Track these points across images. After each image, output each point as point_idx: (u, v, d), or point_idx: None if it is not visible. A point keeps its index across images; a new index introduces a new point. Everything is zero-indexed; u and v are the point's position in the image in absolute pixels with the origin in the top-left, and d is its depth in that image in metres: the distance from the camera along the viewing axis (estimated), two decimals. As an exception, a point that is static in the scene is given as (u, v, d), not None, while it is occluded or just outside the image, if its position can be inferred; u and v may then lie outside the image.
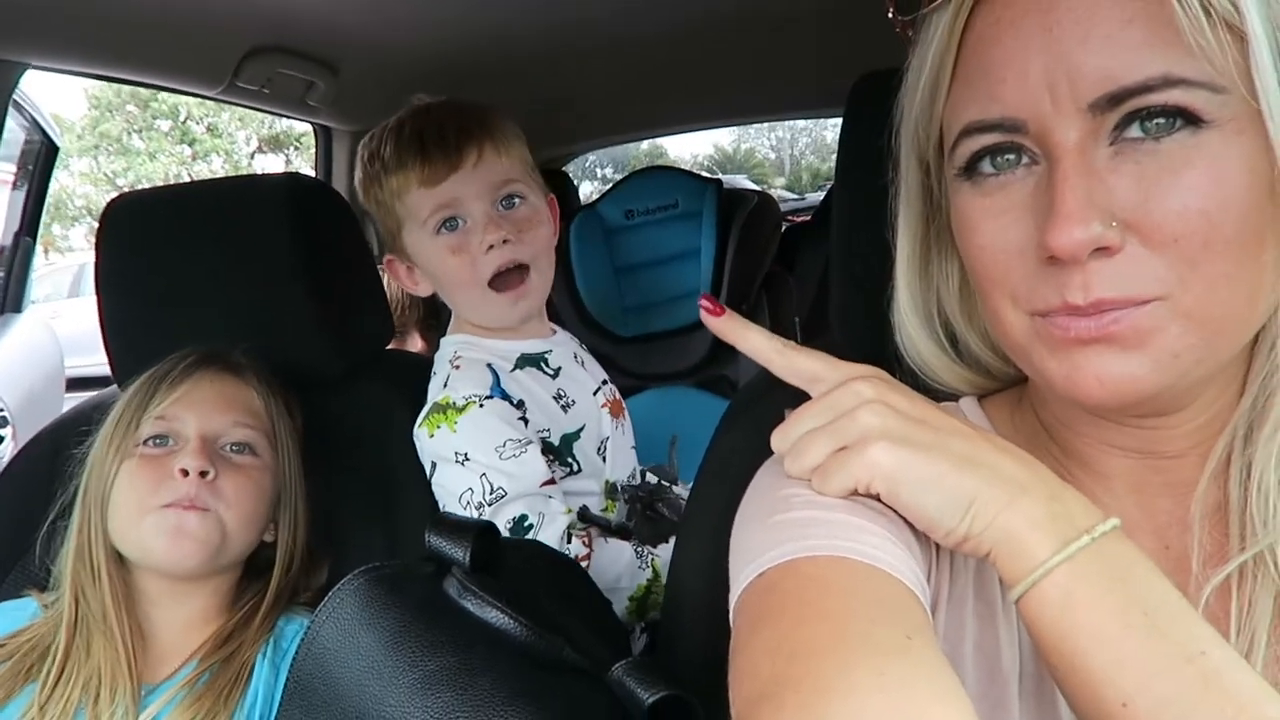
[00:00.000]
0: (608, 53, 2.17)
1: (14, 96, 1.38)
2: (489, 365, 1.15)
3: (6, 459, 1.43)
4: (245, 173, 17.78)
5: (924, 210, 0.64)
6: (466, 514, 1.05)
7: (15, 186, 2.56)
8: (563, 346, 1.26)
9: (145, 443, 0.95)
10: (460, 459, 1.07)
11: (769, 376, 0.98)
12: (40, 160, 2.57)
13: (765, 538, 0.54)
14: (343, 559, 1.05)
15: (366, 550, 1.06)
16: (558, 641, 0.61)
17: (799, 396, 0.91)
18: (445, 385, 1.13)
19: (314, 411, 1.11)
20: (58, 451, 1.05)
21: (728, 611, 0.54)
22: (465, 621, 0.60)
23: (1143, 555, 0.48)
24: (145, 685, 0.91)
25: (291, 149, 18.69)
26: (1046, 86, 0.48)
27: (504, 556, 0.67)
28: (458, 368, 1.14)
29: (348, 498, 1.10)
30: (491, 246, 1.12)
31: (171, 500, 0.92)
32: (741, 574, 0.53)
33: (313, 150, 2.35)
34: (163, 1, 1.36)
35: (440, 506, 1.10)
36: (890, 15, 0.58)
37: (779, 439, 0.58)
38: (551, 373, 1.21)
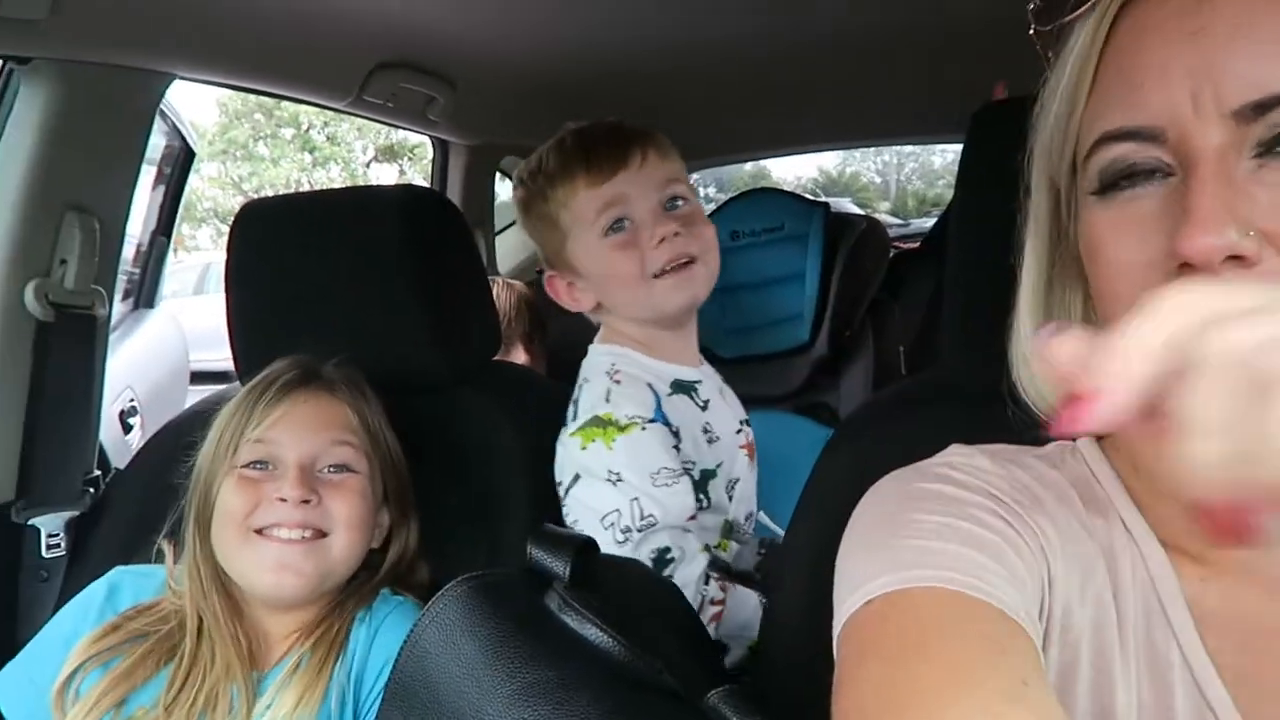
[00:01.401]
0: (718, 73, 2.18)
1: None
2: (649, 385, 1.13)
3: (136, 448, 1.51)
4: (361, 180, 18.45)
5: (1051, 237, 0.61)
6: (606, 534, 1.04)
7: (153, 188, 2.71)
8: (710, 379, 1.24)
9: (244, 466, 0.96)
10: (613, 478, 1.05)
11: (872, 408, 0.97)
12: (178, 164, 2.71)
13: (875, 563, 0.52)
14: (443, 565, 1.07)
15: (467, 558, 1.08)
16: (655, 663, 0.60)
17: (904, 429, 0.89)
18: (607, 399, 1.10)
19: (420, 418, 1.13)
20: (181, 446, 1.10)
21: (825, 642, 0.53)
22: (564, 636, 0.60)
23: None
24: (256, 673, 0.94)
25: (405, 159, 19.31)
26: (1189, 92, 0.46)
27: (603, 573, 0.67)
28: (618, 382, 1.12)
29: (450, 505, 1.11)
30: (663, 239, 1.11)
31: (272, 522, 0.93)
32: (848, 599, 0.52)
33: (425, 161, 2.43)
34: (299, 19, 1.43)
35: (571, 520, 1.09)
36: (1031, 31, 0.56)
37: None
38: (701, 404, 1.18)
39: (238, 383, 1.21)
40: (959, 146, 0.89)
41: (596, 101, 2.40)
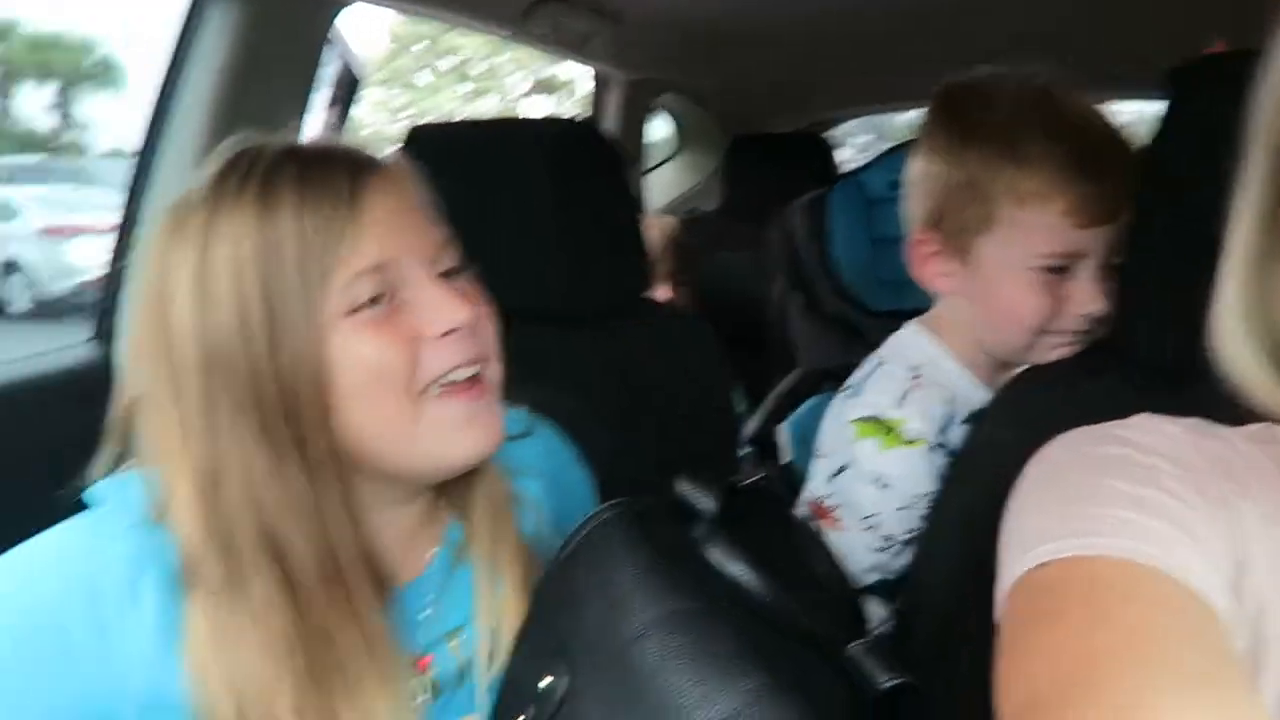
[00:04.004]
0: (884, 18, 2.10)
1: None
2: (947, 403, 1.01)
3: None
4: (515, 113, 18.74)
5: (1270, 206, 0.55)
6: (866, 535, 0.98)
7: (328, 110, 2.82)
8: None
9: None
10: (880, 483, 0.98)
11: (1035, 374, 0.93)
12: (344, 90, 2.81)
13: (1051, 526, 0.49)
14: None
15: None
16: (796, 607, 0.60)
17: (1070, 398, 0.84)
18: (901, 403, 0.99)
19: (569, 348, 1.15)
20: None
21: (969, 611, 0.51)
22: (708, 571, 0.61)
23: None
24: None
25: (561, 93, 19.44)
26: None
27: (750, 514, 0.67)
28: (919, 385, 1.01)
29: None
30: (1090, 314, 0.94)
31: None
32: (1019, 560, 0.49)
33: (577, 97, 2.44)
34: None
35: (830, 501, 1.02)
36: None
37: None
38: None
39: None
40: (1133, 105, 0.82)
41: (757, 44, 2.35)
